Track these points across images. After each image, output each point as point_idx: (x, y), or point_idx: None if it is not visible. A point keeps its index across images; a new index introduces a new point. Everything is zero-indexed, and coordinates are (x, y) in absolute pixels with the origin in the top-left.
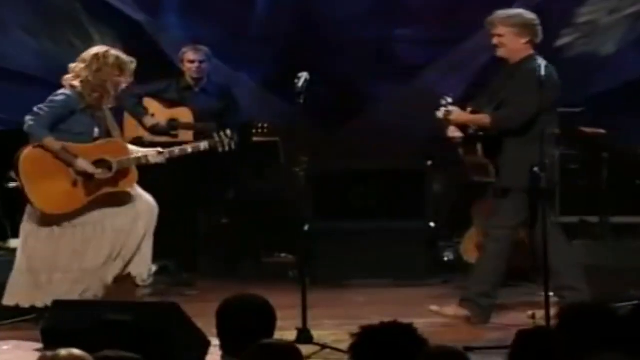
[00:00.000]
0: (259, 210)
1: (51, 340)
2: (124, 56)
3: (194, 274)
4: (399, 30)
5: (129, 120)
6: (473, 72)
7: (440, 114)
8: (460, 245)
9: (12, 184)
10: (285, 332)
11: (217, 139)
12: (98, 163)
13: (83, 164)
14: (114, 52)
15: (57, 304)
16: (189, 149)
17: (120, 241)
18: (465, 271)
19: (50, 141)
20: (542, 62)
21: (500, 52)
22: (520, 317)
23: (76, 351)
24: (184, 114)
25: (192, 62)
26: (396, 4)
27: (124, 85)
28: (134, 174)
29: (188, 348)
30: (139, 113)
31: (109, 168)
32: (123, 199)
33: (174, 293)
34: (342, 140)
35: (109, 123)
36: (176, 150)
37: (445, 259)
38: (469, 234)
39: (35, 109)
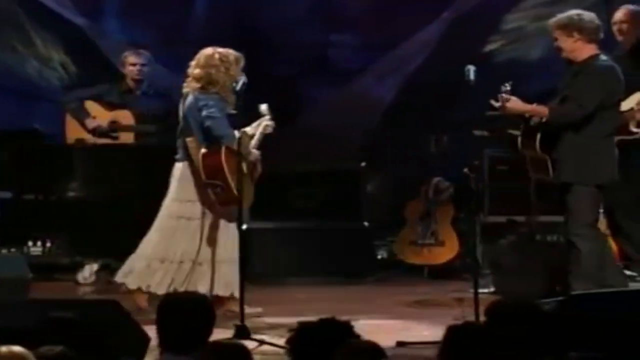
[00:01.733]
0: None
1: None
2: (233, 51)
3: None
4: (335, 35)
5: (71, 122)
6: (406, 76)
7: (497, 102)
8: (393, 244)
9: (215, 190)
10: (222, 328)
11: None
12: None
13: (255, 155)
14: (229, 50)
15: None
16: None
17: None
18: (399, 269)
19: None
20: (606, 61)
21: (562, 55)
22: (451, 313)
23: (17, 348)
24: (125, 117)
25: (133, 65)
26: (332, 10)
27: (239, 80)
28: (259, 164)
29: (129, 345)
30: (81, 115)
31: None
32: None
33: (115, 290)
34: (281, 143)
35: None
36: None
37: (379, 257)
38: (402, 233)
39: (209, 113)
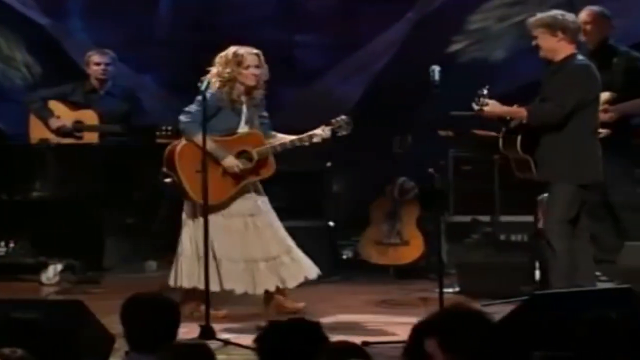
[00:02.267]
0: (164, 210)
1: None
2: (238, 48)
3: (99, 272)
4: (299, 35)
5: (34, 122)
6: (371, 76)
7: (476, 106)
8: (358, 244)
9: (167, 180)
10: (189, 329)
11: (335, 123)
12: (240, 154)
13: (230, 162)
14: (233, 48)
15: None
16: (318, 137)
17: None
18: (364, 269)
19: (199, 138)
20: (583, 60)
21: (541, 54)
22: (416, 313)
23: None
24: (89, 116)
25: (97, 64)
26: (297, 10)
27: (250, 77)
28: (273, 162)
29: (93, 345)
30: (45, 115)
31: (250, 159)
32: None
33: (79, 291)
34: None
35: (251, 116)
36: (305, 137)
37: (344, 257)
38: (367, 232)
39: (186, 108)
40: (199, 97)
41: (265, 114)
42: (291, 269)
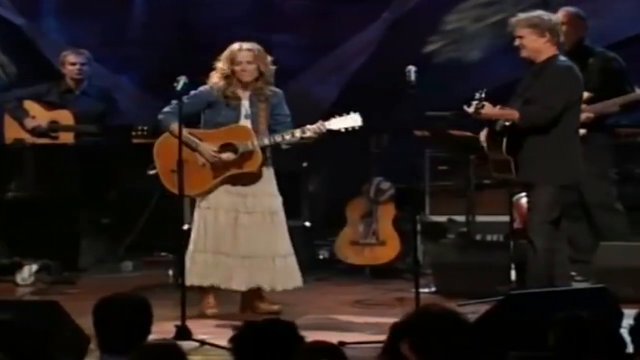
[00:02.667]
0: (139, 210)
1: None
2: (234, 45)
3: (74, 272)
4: (275, 35)
5: (9, 122)
6: (347, 76)
7: (471, 108)
8: (335, 244)
9: (151, 171)
10: (165, 329)
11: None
12: (225, 147)
13: (204, 148)
14: (233, 44)
15: None
16: (310, 132)
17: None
18: (340, 269)
19: (175, 126)
20: (566, 61)
21: (523, 53)
22: (392, 313)
23: None
24: (65, 116)
25: (73, 64)
26: (272, 10)
27: (241, 73)
28: (258, 156)
29: (68, 346)
30: (20, 115)
31: (235, 151)
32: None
33: (55, 291)
34: None
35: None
36: (298, 132)
37: (321, 257)
38: (343, 232)
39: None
40: (196, 91)
41: (284, 111)
42: (272, 273)
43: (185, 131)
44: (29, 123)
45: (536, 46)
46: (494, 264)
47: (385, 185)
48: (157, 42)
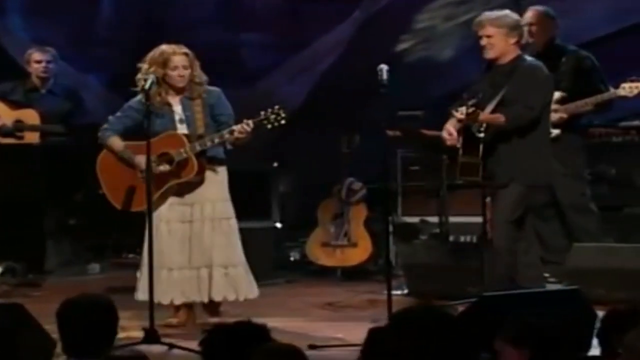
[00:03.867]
0: (106, 211)
1: None
2: (165, 48)
3: (40, 274)
4: (244, 34)
5: None
6: (318, 75)
7: (459, 112)
8: (305, 245)
9: (100, 191)
10: (132, 332)
11: (262, 116)
12: (161, 157)
13: (140, 161)
14: (162, 46)
15: None
16: (237, 132)
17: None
18: (310, 270)
19: (113, 142)
20: (535, 61)
21: (489, 54)
22: (364, 315)
23: None
24: (31, 116)
25: (38, 62)
26: (241, 9)
27: (177, 78)
28: (193, 163)
29: (33, 349)
30: None
31: (170, 161)
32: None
33: (19, 294)
34: None
35: (191, 115)
36: (226, 134)
37: (291, 258)
38: (314, 234)
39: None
40: (129, 103)
41: (225, 111)
42: (221, 283)
43: (120, 145)
44: None
45: (504, 47)
46: (467, 266)
47: (357, 185)
48: (124, 42)
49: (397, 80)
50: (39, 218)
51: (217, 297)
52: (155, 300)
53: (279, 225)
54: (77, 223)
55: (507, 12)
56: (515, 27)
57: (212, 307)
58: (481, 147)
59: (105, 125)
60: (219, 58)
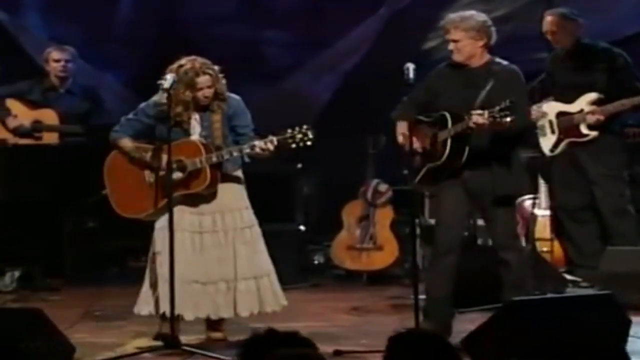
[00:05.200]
0: None
1: None
2: (189, 66)
3: (58, 279)
4: (266, 32)
5: None
6: (342, 74)
7: (481, 118)
8: (330, 249)
9: (103, 191)
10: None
11: (288, 134)
12: (175, 163)
13: (152, 159)
14: (186, 65)
15: None
16: (258, 148)
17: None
18: (335, 275)
19: (123, 142)
20: (510, 64)
21: (458, 57)
22: (389, 321)
23: None
24: (49, 116)
25: (57, 61)
26: (262, 5)
27: (202, 99)
28: (206, 175)
29: (52, 355)
30: (1, 114)
31: (182, 169)
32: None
33: (38, 299)
34: None
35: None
36: (246, 148)
37: (315, 262)
38: (339, 237)
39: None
40: (141, 105)
41: (243, 122)
42: (247, 297)
43: (131, 145)
44: (11, 123)
45: (472, 51)
46: (496, 269)
47: (383, 187)
48: (143, 40)
49: (424, 79)
50: (57, 221)
51: (244, 313)
52: (162, 310)
53: (302, 228)
54: (96, 226)
55: (472, 13)
56: (481, 29)
57: (215, 322)
58: (467, 151)
59: (116, 127)
60: (240, 56)
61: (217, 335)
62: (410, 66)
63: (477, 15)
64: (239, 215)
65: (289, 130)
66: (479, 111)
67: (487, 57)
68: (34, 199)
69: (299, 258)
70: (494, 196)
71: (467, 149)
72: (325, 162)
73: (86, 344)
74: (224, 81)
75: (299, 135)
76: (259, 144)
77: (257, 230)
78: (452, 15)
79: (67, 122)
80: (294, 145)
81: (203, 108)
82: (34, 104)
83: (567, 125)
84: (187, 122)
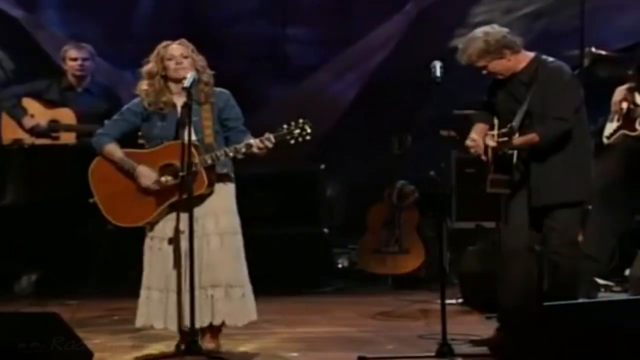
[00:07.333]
0: None
1: None
2: (160, 44)
3: (77, 282)
4: (290, 29)
5: (7, 122)
6: (367, 73)
7: (492, 140)
8: (355, 252)
9: (91, 200)
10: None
11: (285, 130)
12: (165, 168)
13: (141, 172)
14: (164, 43)
15: None
16: (255, 147)
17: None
18: (360, 278)
19: (110, 149)
20: (555, 61)
21: (500, 77)
22: (415, 326)
23: None
24: (66, 115)
25: (74, 59)
26: (286, 2)
27: (174, 67)
28: (202, 178)
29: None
30: (18, 114)
31: (175, 174)
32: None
33: (56, 302)
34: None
35: (199, 119)
36: (242, 148)
37: (340, 265)
38: (364, 240)
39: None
40: (127, 105)
41: (234, 115)
42: (217, 306)
43: (120, 154)
44: (28, 122)
45: (504, 67)
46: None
47: (409, 189)
48: (163, 38)
49: (452, 77)
50: (75, 223)
51: (217, 321)
52: (147, 325)
53: (326, 230)
54: (115, 228)
55: (479, 36)
56: (494, 46)
57: (214, 330)
58: (513, 164)
59: (100, 130)
60: (263, 53)
61: (211, 345)
62: (437, 64)
63: (488, 34)
64: (226, 220)
65: (285, 126)
66: (493, 132)
67: (527, 57)
68: (51, 201)
69: (323, 261)
70: (548, 203)
71: (512, 161)
72: (350, 163)
73: (104, 349)
74: (209, 71)
75: (297, 130)
76: (255, 143)
77: (240, 238)
78: (459, 50)
79: (84, 121)
80: (292, 141)
81: (188, 96)
82: (50, 103)
83: (629, 116)
84: (172, 109)
